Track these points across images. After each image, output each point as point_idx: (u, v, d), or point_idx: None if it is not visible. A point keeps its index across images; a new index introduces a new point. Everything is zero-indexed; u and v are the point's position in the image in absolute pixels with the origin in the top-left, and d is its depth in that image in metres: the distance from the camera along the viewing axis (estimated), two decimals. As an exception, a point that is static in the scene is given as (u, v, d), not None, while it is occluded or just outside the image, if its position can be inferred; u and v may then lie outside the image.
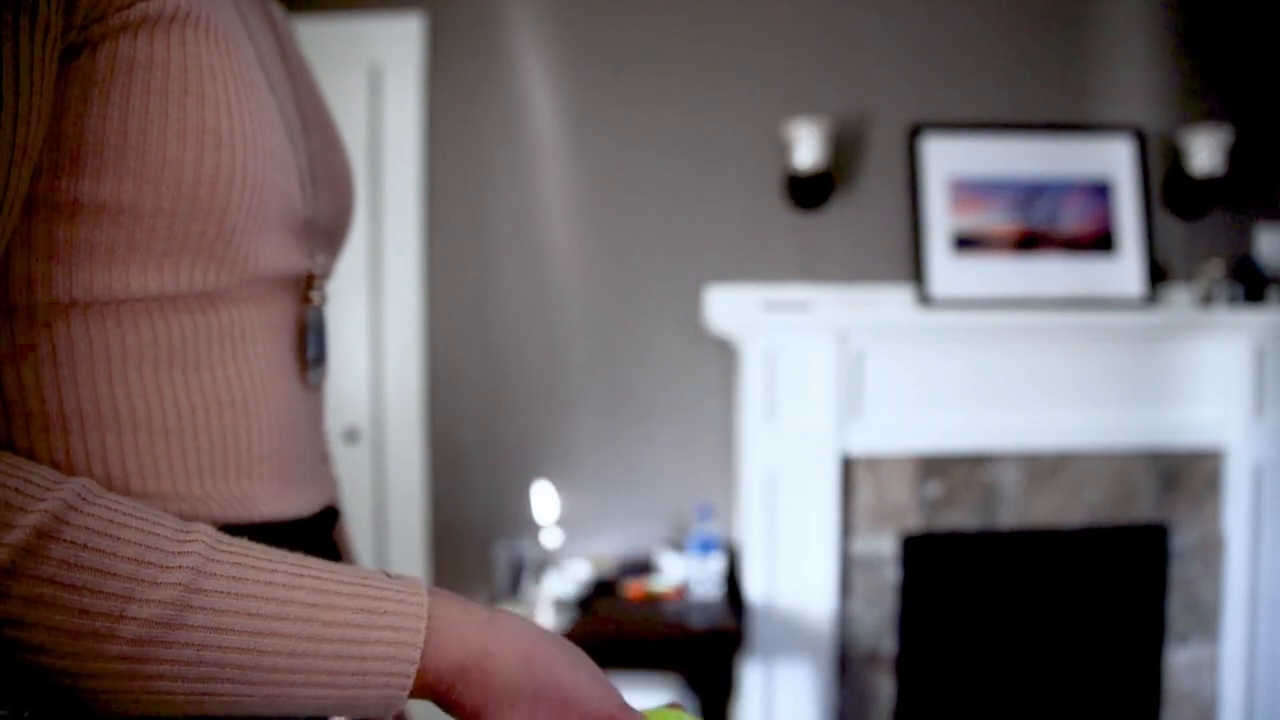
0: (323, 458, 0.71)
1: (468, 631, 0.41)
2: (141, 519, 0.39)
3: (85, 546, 0.36)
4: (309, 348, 0.56)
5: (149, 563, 0.37)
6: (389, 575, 0.42)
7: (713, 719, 2.08)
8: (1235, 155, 2.40)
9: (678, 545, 2.38)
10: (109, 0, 0.40)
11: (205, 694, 0.38)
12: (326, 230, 0.60)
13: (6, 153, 0.38)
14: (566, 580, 2.16)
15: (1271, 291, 2.34)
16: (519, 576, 2.27)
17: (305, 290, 0.56)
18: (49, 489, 0.37)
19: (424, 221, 2.45)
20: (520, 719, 0.42)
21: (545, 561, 2.35)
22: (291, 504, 0.54)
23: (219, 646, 0.37)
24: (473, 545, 2.45)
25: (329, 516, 0.62)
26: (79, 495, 0.38)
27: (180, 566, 0.37)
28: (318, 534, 0.59)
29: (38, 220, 0.41)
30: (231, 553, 0.39)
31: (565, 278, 2.44)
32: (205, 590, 0.37)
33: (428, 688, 0.41)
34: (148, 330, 0.45)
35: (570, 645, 0.44)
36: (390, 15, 2.41)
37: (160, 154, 0.42)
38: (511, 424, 2.45)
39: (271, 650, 0.38)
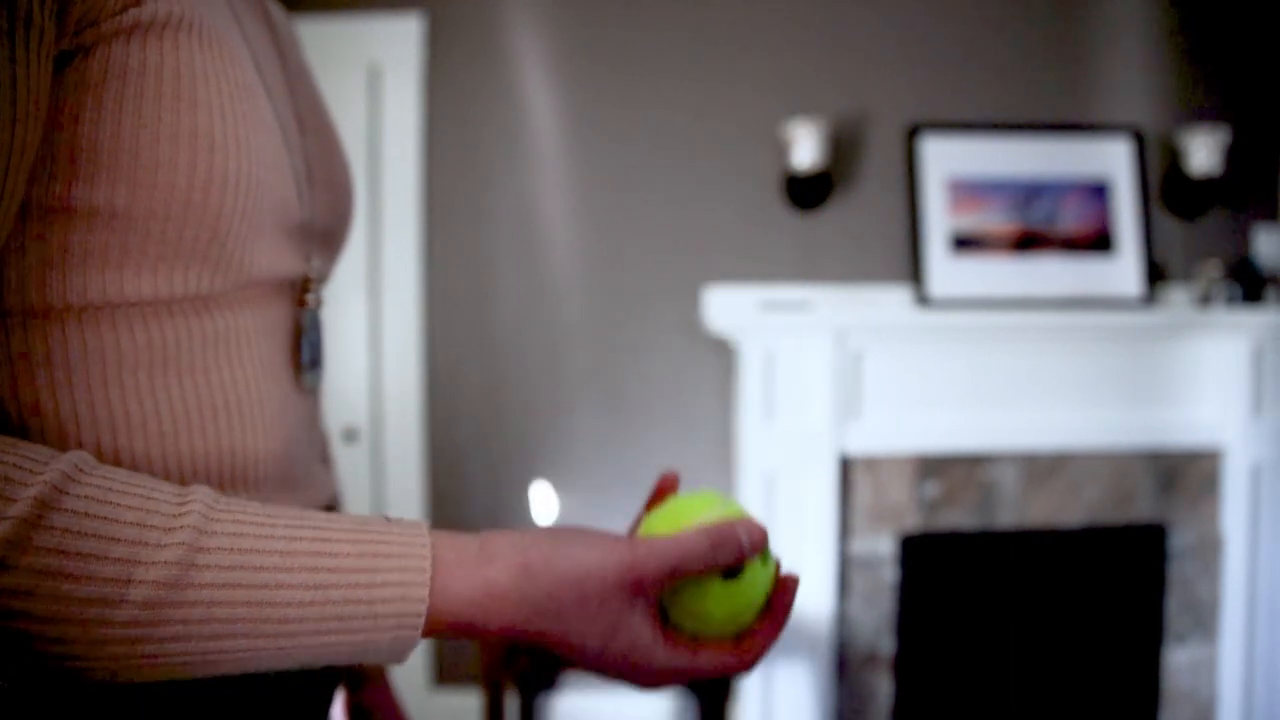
0: (321, 459, 0.71)
1: (467, 565, 0.41)
2: (139, 485, 0.39)
3: (86, 514, 0.36)
4: (304, 351, 0.56)
5: (151, 526, 0.37)
6: (389, 519, 0.42)
7: (711, 719, 2.08)
8: (1233, 155, 2.40)
9: (676, 545, 2.38)
10: (101, 7, 0.41)
11: (220, 652, 0.38)
12: (324, 233, 0.60)
13: (3, 158, 0.38)
14: (565, 580, 2.16)
15: (1269, 291, 2.34)
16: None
17: (301, 293, 0.57)
18: (46, 463, 0.37)
19: (423, 221, 2.45)
20: (547, 621, 0.42)
21: (544, 561, 2.35)
22: (287, 506, 0.54)
23: (228, 603, 0.37)
24: (472, 545, 2.44)
25: (325, 512, 0.62)
26: (76, 467, 0.38)
27: (182, 527, 0.38)
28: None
29: (32, 225, 0.42)
30: (230, 510, 0.40)
31: (564, 278, 2.44)
32: (209, 548, 0.38)
33: (443, 626, 0.41)
34: (142, 334, 0.45)
35: (561, 532, 0.43)
36: (389, 15, 2.41)
37: (153, 159, 0.42)
38: (510, 424, 2.45)
39: (281, 601, 0.38)
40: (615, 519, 2.45)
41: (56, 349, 0.43)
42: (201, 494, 0.40)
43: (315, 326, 0.58)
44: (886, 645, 2.28)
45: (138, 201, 0.43)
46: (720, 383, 2.43)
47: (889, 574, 2.27)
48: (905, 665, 2.30)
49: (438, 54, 2.42)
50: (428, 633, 0.41)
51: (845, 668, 2.28)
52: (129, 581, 0.36)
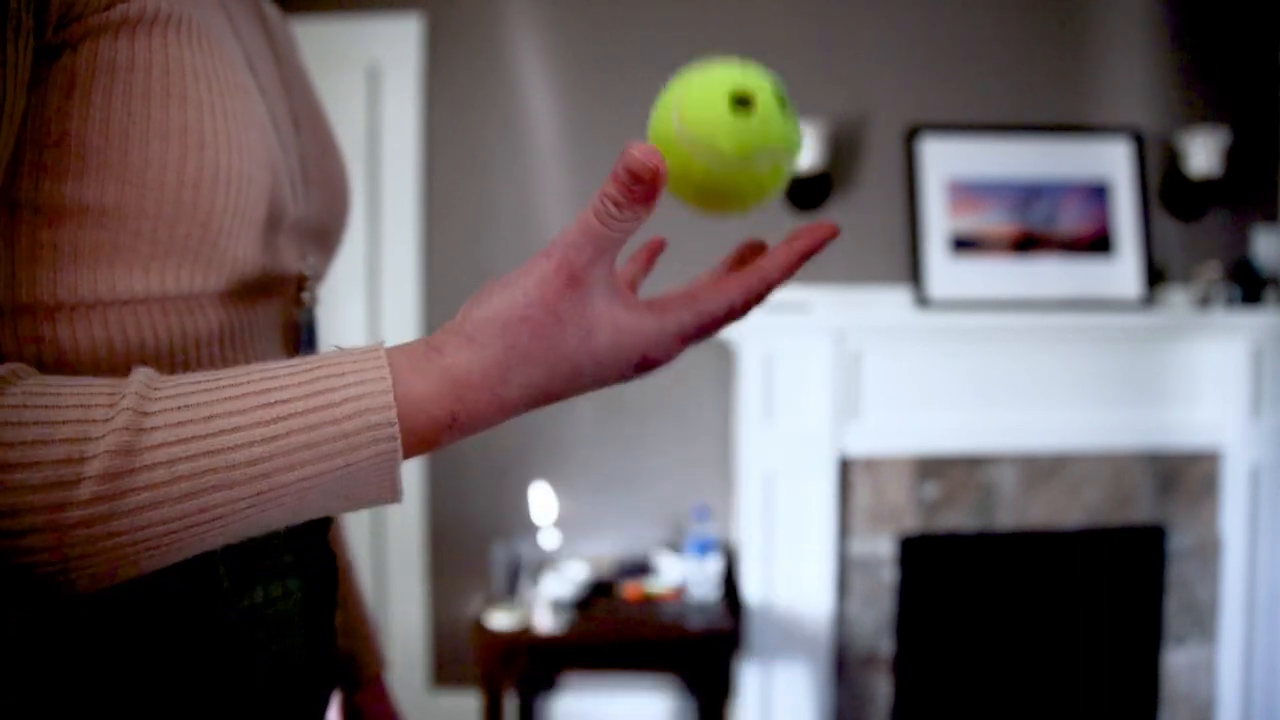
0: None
1: (420, 365, 0.39)
2: (80, 380, 0.38)
3: (25, 405, 0.36)
4: (299, 349, 0.56)
5: (95, 405, 0.36)
6: (339, 348, 0.41)
7: (710, 719, 2.08)
8: (1233, 157, 2.40)
9: (675, 546, 2.38)
10: (86, 1, 0.40)
11: (198, 511, 0.36)
12: (319, 232, 0.60)
13: None
14: (564, 581, 2.16)
15: (1269, 293, 2.34)
16: (517, 577, 2.27)
17: (296, 292, 0.56)
18: None
19: (422, 222, 2.45)
20: (524, 374, 0.39)
21: (543, 563, 2.35)
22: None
23: (187, 457, 0.36)
24: (471, 546, 2.45)
25: (322, 518, 0.62)
26: (13, 371, 0.37)
27: (125, 395, 0.36)
28: (310, 536, 0.59)
29: (21, 223, 0.41)
30: (170, 378, 0.38)
31: (563, 278, 2.43)
32: (154, 411, 0.36)
33: (422, 432, 0.39)
34: (134, 333, 0.45)
35: (485, 288, 0.40)
36: (389, 16, 2.41)
37: (142, 156, 0.42)
38: (509, 425, 2.45)
39: (242, 443, 0.36)
40: (615, 519, 2.45)
41: (47, 347, 0.43)
42: (140, 370, 0.38)
43: (310, 324, 0.57)
44: (886, 646, 2.28)
45: (127, 199, 0.42)
46: (719, 384, 2.43)
47: (888, 575, 2.27)
48: (904, 666, 2.30)
49: (437, 54, 2.42)
50: (413, 443, 0.39)
51: (844, 668, 2.28)
52: (81, 459, 0.35)
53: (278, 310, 0.55)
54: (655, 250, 0.52)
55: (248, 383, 0.38)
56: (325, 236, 0.62)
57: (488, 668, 2.06)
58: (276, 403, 0.37)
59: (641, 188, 0.36)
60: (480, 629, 2.08)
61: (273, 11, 0.63)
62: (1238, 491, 2.30)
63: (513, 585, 2.25)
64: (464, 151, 2.43)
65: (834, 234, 0.43)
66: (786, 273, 0.42)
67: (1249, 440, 2.29)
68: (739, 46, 2.40)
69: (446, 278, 2.45)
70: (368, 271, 2.46)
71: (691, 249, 2.42)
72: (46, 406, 0.36)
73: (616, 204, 0.37)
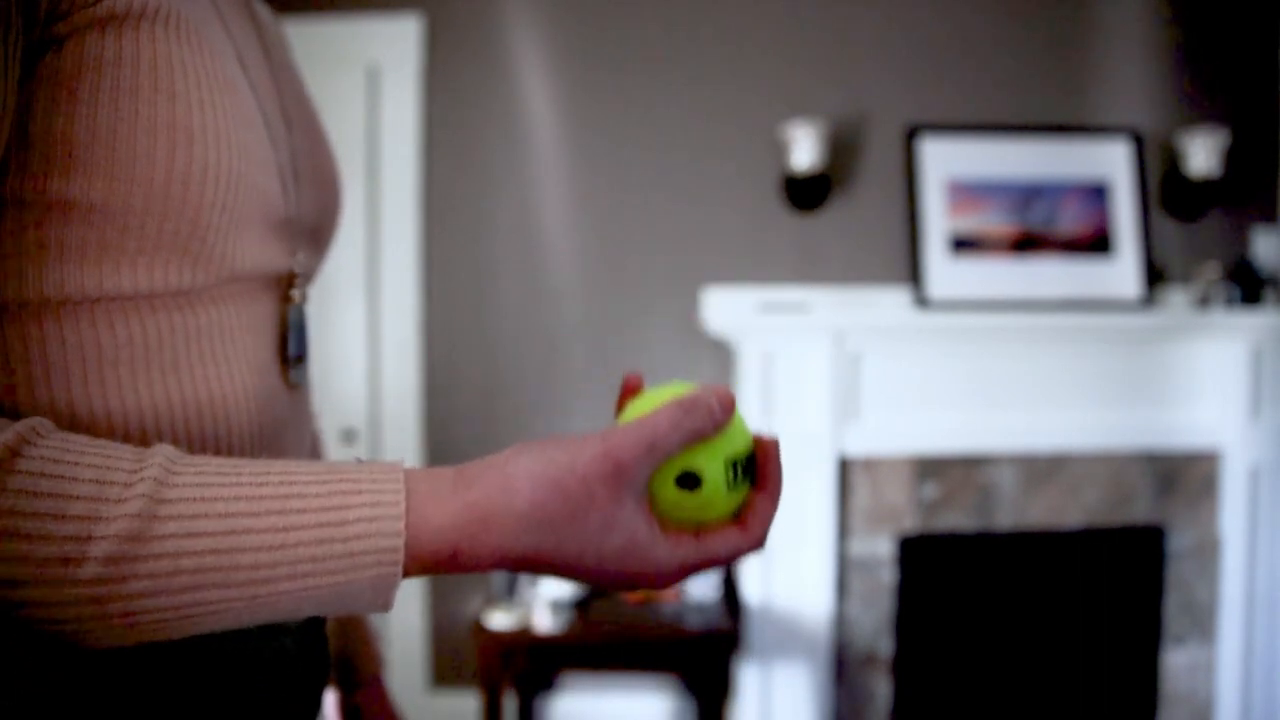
0: (311, 456, 0.71)
1: (443, 494, 0.40)
2: (98, 447, 0.38)
3: (43, 474, 0.36)
4: (289, 347, 0.56)
5: (110, 482, 0.36)
6: (361, 460, 0.41)
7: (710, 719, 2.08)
8: (1232, 157, 2.40)
9: (675, 546, 2.38)
10: None
11: (195, 605, 0.37)
12: (311, 229, 0.60)
13: None
14: (563, 581, 2.16)
15: (1268, 293, 2.34)
16: (516, 577, 2.27)
17: (286, 289, 0.56)
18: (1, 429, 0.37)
19: (422, 222, 2.45)
20: (536, 535, 0.40)
21: (542, 562, 2.35)
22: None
23: (194, 552, 0.36)
24: (470, 546, 2.44)
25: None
26: (33, 430, 0.37)
27: (143, 479, 0.37)
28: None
29: (8, 219, 0.41)
30: (193, 463, 0.39)
31: (563, 278, 2.44)
32: (171, 499, 0.37)
33: (426, 560, 0.39)
34: (123, 330, 0.45)
35: (535, 442, 0.42)
36: (388, 16, 2.41)
37: (130, 151, 0.42)
38: (509, 424, 2.45)
39: (250, 547, 0.37)
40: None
41: (35, 344, 0.43)
42: (162, 450, 0.39)
43: (301, 322, 0.57)
44: (885, 646, 2.28)
45: (115, 195, 0.42)
46: (718, 383, 2.43)
47: (887, 575, 2.27)
48: (904, 666, 2.30)
49: (437, 55, 2.42)
50: (412, 569, 0.39)
51: (844, 669, 2.28)
52: (89, 539, 0.35)
53: (268, 307, 0.55)
54: (633, 388, 0.53)
55: (266, 484, 0.38)
56: (317, 234, 0.62)
57: (487, 668, 2.06)
58: (290, 511, 0.38)
59: (725, 415, 0.42)
60: (479, 629, 2.08)
61: (263, 10, 0.63)
62: (1237, 492, 2.30)
63: (512, 585, 2.25)
64: (464, 151, 2.43)
65: (779, 446, 0.46)
66: (775, 509, 0.45)
67: (1248, 441, 2.29)
68: (739, 47, 2.40)
69: (446, 278, 2.45)
70: (368, 271, 2.46)
71: (686, 250, 2.42)
72: (62, 477, 0.36)
73: (694, 416, 0.41)
